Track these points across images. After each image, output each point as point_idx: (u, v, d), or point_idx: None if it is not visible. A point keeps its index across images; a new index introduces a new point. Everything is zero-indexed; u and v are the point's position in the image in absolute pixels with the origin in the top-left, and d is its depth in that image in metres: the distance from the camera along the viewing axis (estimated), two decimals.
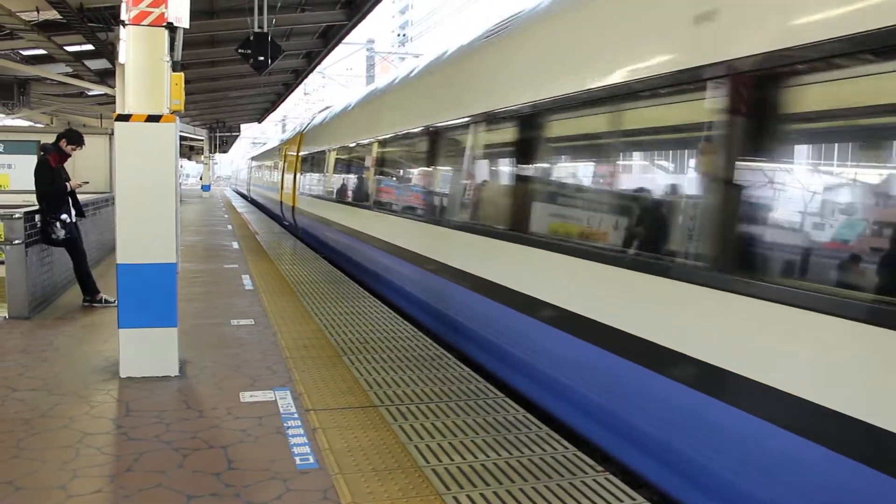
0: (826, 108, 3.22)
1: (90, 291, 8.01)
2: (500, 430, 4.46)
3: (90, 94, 20.01)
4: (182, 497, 3.48)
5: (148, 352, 5.40)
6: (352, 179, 12.50)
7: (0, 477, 3.64)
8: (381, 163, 10.31)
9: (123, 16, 5.38)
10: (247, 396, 5.00)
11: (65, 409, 4.68)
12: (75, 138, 7.83)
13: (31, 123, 24.15)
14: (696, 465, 3.59)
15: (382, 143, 10.04)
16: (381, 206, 9.87)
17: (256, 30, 11.46)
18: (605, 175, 4.63)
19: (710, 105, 3.57)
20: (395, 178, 9.84)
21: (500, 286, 5.64)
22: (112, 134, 7.42)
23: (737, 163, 3.38)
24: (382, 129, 10.07)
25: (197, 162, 46.27)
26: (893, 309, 2.62)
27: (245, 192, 46.25)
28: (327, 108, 21.04)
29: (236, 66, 17.20)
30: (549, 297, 4.94)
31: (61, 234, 7.58)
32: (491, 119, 6.22)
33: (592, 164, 4.99)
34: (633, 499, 3.56)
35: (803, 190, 3.19)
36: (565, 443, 4.28)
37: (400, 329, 7.15)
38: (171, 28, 5.53)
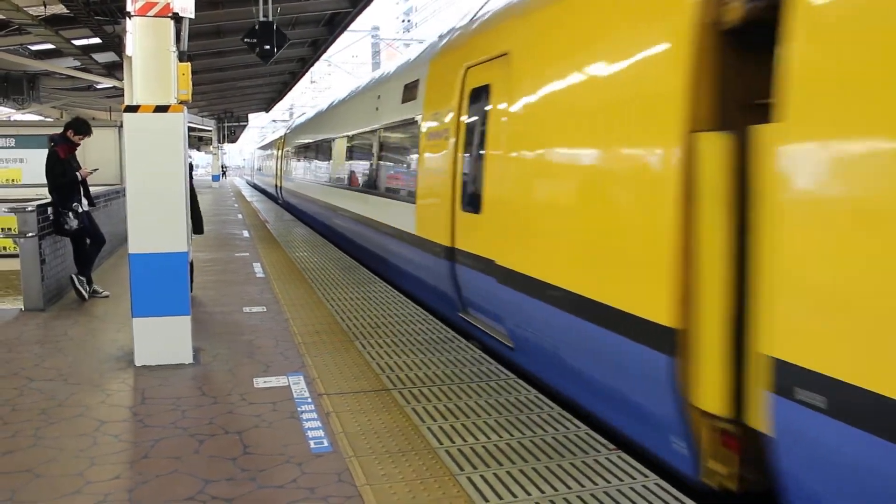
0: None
1: (86, 275, 8.01)
2: (513, 410, 4.49)
3: (98, 87, 20.10)
4: (198, 482, 3.52)
5: (162, 340, 5.45)
6: None
7: (20, 465, 3.70)
8: None
9: (129, 7, 5.39)
10: (260, 382, 5.04)
11: (81, 398, 4.74)
12: (82, 127, 7.85)
13: (42, 118, 24.28)
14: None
15: None
16: None
17: (262, 19, 11.46)
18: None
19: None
20: None
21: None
22: (121, 126, 7.47)
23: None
24: None
25: (206, 152, 46.33)
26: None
27: (272, 191, 29.33)
28: None
29: (242, 55, 17.17)
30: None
31: (74, 223, 7.63)
32: None
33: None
34: (646, 476, 3.58)
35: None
36: (577, 422, 4.30)
37: (411, 313, 7.17)
38: (177, 18, 5.54)
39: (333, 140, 14.26)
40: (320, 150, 16.11)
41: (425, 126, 7.72)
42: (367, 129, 10.96)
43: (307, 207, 17.99)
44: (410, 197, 8.11)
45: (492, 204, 5.82)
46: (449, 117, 6.93)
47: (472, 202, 6.23)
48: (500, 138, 5.70)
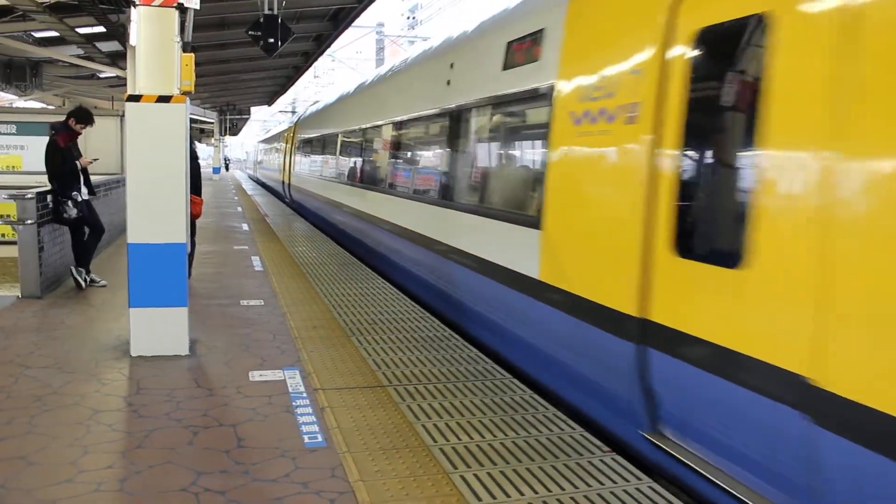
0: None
1: (84, 264, 8.00)
2: (508, 410, 4.48)
3: (102, 76, 20.09)
4: (192, 473, 3.51)
5: (158, 331, 5.44)
6: None
7: (13, 452, 3.69)
8: None
9: None
10: (256, 376, 5.04)
11: (76, 386, 4.73)
12: (84, 116, 7.84)
13: (44, 105, 24.25)
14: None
15: None
16: None
17: (266, 12, 11.45)
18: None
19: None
20: None
21: None
22: (123, 115, 7.47)
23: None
24: None
25: (207, 144, 46.39)
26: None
27: (279, 188, 26.30)
28: None
29: (246, 48, 17.16)
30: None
31: (73, 212, 7.62)
32: None
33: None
34: (640, 479, 3.58)
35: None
36: (572, 423, 4.30)
37: (408, 310, 7.17)
38: (182, 9, 5.54)
39: (368, 129, 11.13)
40: (348, 141, 12.83)
41: (567, 102, 4.85)
42: (432, 111, 7.91)
43: (322, 210, 15.10)
44: (527, 217, 5.31)
45: (808, 254, 2.92)
46: (633, 85, 4.10)
47: (715, 244, 3.64)
48: (828, 122, 2.88)
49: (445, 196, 7.36)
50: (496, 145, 6.52)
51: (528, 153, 5.79)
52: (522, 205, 5.57)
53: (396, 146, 9.59)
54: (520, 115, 6.01)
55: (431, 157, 8.22)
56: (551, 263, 4.92)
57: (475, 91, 6.70)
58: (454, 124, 7.20)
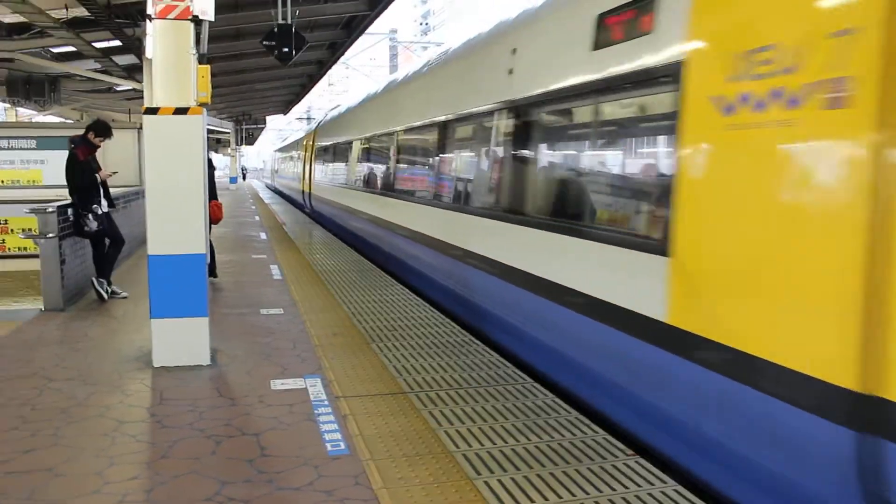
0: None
1: (106, 276, 8.07)
2: (530, 414, 4.47)
3: (118, 89, 20.33)
4: (216, 483, 3.53)
5: (180, 341, 5.47)
6: None
7: (40, 464, 3.72)
8: None
9: (150, 10, 5.44)
10: (277, 384, 5.05)
11: (100, 398, 4.77)
12: (102, 130, 7.92)
13: (63, 119, 24.55)
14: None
15: None
16: None
17: (280, 22, 11.52)
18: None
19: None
20: None
21: None
22: (141, 128, 7.56)
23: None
24: None
25: (224, 154, 46.65)
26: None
27: (298, 198, 25.38)
28: None
29: (261, 58, 17.30)
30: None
31: (94, 225, 7.70)
32: None
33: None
34: (664, 482, 3.55)
35: None
36: (595, 427, 4.27)
37: (427, 316, 7.17)
38: (197, 21, 5.58)
39: (396, 133, 10.18)
40: (374, 147, 11.98)
41: (706, 83, 3.61)
42: (484, 107, 6.76)
43: (347, 222, 14.20)
44: (645, 240, 4.14)
45: None
46: (838, 52, 2.84)
47: None
48: None
49: (487, 208, 6.50)
50: (586, 145, 5.24)
51: (641, 154, 4.58)
52: (635, 223, 4.43)
53: (429, 153, 8.57)
54: (624, 104, 4.79)
55: (479, 164, 7.01)
56: (691, 303, 3.66)
57: (551, 79, 5.44)
58: (523, 121, 5.97)
